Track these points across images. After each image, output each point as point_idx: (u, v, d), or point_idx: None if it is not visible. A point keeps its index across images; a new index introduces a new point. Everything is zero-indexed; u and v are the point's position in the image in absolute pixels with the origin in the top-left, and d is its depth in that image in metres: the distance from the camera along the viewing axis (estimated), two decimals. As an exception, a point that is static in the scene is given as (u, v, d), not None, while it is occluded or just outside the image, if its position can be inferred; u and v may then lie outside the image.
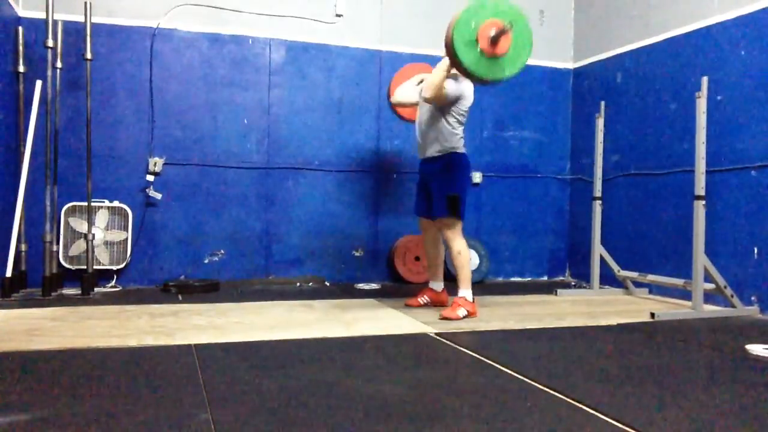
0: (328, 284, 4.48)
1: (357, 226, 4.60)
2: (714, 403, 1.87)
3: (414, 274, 4.53)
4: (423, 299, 3.52)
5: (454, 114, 3.29)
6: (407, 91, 3.58)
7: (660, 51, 4.25)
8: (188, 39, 4.24)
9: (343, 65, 4.57)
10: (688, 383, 2.10)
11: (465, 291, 3.20)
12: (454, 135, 3.30)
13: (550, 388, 1.95)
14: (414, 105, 3.56)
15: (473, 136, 4.77)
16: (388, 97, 3.85)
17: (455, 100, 3.26)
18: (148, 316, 3.05)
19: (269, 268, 4.43)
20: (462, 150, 3.35)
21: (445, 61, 3.14)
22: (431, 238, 3.52)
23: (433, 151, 3.34)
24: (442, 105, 3.27)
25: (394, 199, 4.68)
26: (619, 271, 4.22)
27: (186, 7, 4.21)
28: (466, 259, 3.27)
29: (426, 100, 3.27)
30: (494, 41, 2.82)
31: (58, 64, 3.78)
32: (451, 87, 3.21)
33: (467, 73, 2.94)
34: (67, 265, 3.86)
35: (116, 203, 4.02)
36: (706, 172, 3.41)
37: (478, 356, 2.37)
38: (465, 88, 3.29)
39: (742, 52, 3.64)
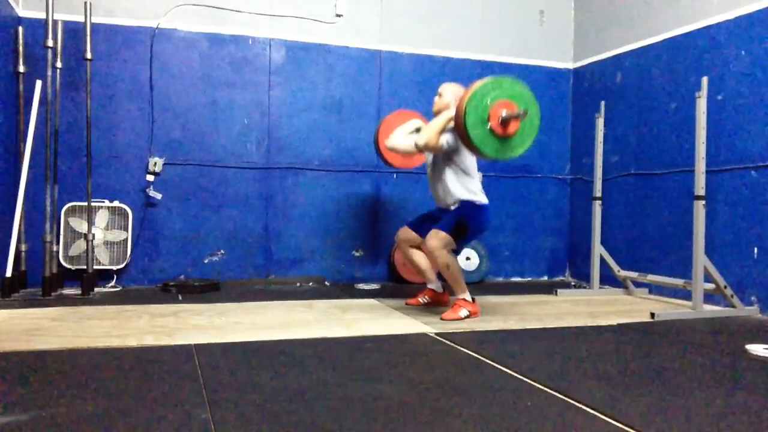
0: (328, 284, 4.48)
1: (357, 226, 4.60)
2: (714, 403, 1.87)
3: (414, 274, 4.51)
4: (424, 299, 3.52)
5: (456, 164, 3.19)
6: (402, 137, 3.35)
7: (660, 51, 4.25)
8: (188, 39, 4.24)
9: (343, 65, 4.57)
10: (688, 383, 2.10)
11: (462, 294, 3.18)
12: (460, 186, 3.20)
13: (550, 388, 1.95)
14: (408, 154, 3.40)
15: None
16: (377, 141, 3.64)
17: (451, 152, 3.15)
18: (148, 316, 3.05)
19: (269, 268, 4.43)
20: (478, 200, 3.21)
21: (447, 114, 3.10)
22: (408, 247, 3.45)
23: (444, 204, 3.28)
24: (436, 154, 3.23)
25: (395, 199, 4.68)
26: (619, 271, 4.22)
27: (186, 7, 4.21)
28: (456, 269, 3.13)
29: (418, 148, 3.16)
30: (504, 122, 2.80)
31: (58, 64, 3.78)
32: (447, 138, 3.11)
33: (471, 146, 2.89)
34: (67, 265, 3.86)
35: (116, 203, 4.02)
36: (706, 172, 3.41)
37: (478, 356, 2.37)
38: (462, 143, 3.15)
39: (742, 52, 3.64)
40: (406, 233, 3.45)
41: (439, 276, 3.41)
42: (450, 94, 3.27)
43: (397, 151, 3.39)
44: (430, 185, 3.38)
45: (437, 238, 3.07)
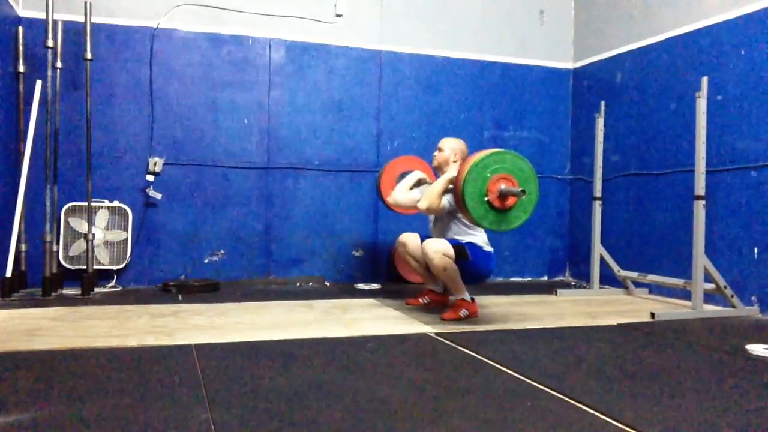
0: (328, 284, 4.48)
1: (357, 226, 4.60)
2: (714, 403, 1.87)
3: (414, 274, 4.51)
4: (424, 299, 3.52)
5: (459, 220, 3.21)
6: (404, 194, 3.42)
7: (660, 51, 4.25)
8: (188, 39, 4.24)
9: (343, 65, 4.57)
10: (688, 383, 2.10)
11: (461, 294, 3.17)
12: (466, 233, 3.21)
13: (550, 388, 1.95)
14: (412, 209, 3.46)
15: (474, 136, 4.77)
16: (379, 191, 3.77)
17: (454, 211, 3.16)
18: (148, 316, 3.05)
19: (269, 268, 4.43)
20: (483, 247, 3.21)
21: (447, 176, 3.13)
22: (405, 252, 3.44)
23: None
24: (439, 215, 3.27)
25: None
26: (619, 271, 4.22)
27: (186, 7, 4.21)
28: (453, 270, 3.09)
29: (421, 210, 3.21)
30: (502, 196, 2.76)
31: (58, 64, 3.78)
32: (448, 198, 3.14)
33: (468, 217, 2.86)
34: (67, 265, 3.86)
35: (116, 203, 4.02)
36: (706, 172, 3.41)
37: (478, 356, 2.37)
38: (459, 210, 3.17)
39: (742, 52, 3.64)
40: (405, 237, 3.44)
41: None
42: (449, 149, 3.33)
43: (400, 206, 3.52)
44: (433, 234, 3.38)
45: (436, 242, 3.09)
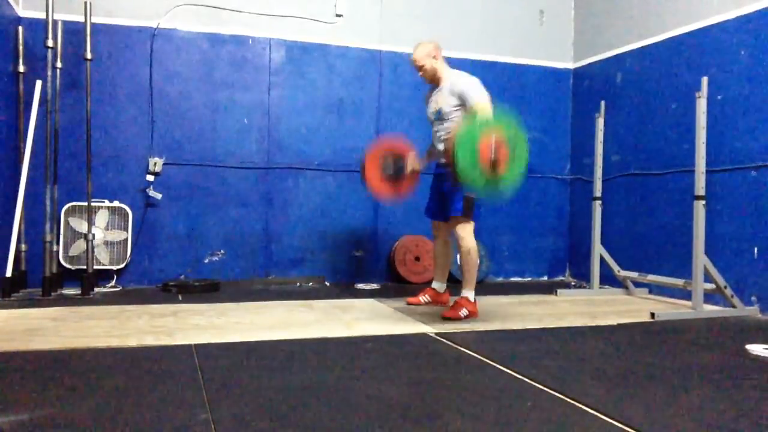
0: (328, 284, 4.48)
1: (357, 226, 4.60)
2: (714, 403, 1.87)
3: (414, 274, 4.53)
4: (424, 298, 3.53)
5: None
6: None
7: (660, 51, 4.25)
8: (188, 39, 4.24)
9: (343, 65, 4.57)
10: (688, 383, 2.10)
11: (469, 292, 3.19)
12: None
13: (550, 388, 1.95)
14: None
15: (473, 136, 4.77)
16: (363, 172, 3.55)
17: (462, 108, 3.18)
18: (148, 316, 3.05)
19: (269, 268, 4.43)
20: None
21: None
22: (443, 241, 3.51)
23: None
24: (445, 110, 3.24)
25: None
26: (619, 271, 4.21)
27: (186, 7, 4.21)
28: (475, 260, 3.23)
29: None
30: (494, 165, 2.72)
31: (58, 64, 3.78)
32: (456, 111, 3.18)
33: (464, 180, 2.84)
34: (67, 265, 3.86)
35: (116, 203, 4.02)
36: (706, 172, 3.41)
37: (478, 356, 2.37)
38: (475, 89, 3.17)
39: (742, 52, 3.64)
40: (434, 225, 3.51)
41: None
42: (426, 57, 3.24)
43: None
44: (435, 140, 3.36)
45: (460, 225, 3.20)
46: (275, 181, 4.42)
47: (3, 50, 3.63)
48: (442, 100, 3.24)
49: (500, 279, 4.95)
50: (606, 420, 1.68)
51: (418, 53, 3.27)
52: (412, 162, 3.41)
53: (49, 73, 3.69)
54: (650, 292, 4.25)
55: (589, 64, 4.95)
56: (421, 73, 3.32)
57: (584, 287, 4.54)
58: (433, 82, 3.34)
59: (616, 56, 4.65)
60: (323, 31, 4.53)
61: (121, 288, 4.01)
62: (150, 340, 2.50)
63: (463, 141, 2.74)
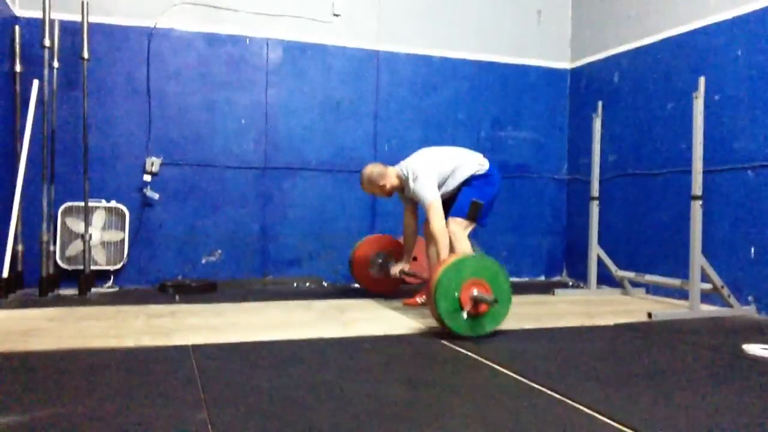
0: (325, 284, 4.48)
1: (354, 226, 4.60)
2: (711, 403, 1.87)
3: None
4: (421, 299, 3.52)
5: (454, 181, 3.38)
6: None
7: (657, 51, 4.26)
8: (185, 38, 4.23)
9: (341, 65, 4.57)
10: (685, 383, 2.11)
11: None
12: (456, 181, 3.37)
13: (548, 388, 1.95)
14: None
15: (471, 136, 4.78)
16: (352, 265, 3.97)
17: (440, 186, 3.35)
18: (145, 316, 3.05)
19: (267, 268, 4.42)
20: (479, 170, 3.38)
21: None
22: (413, 230, 3.67)
23: (455, 189, 3.42)
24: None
25: (392, 199, 4.66)
26: (616, 271, 4.22)
27: (183, 6, 4.20)
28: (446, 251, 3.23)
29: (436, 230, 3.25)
30: (476, 304, 2.64)
31: (55, 64, 3.77)
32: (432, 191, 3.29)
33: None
34: (63, 266, 3.85)
35: (113, 203, 4.01)
36: (703, 172, 3.42)
37: (476, 356, 2.37)
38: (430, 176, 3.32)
39: (739, 52, 3.65)
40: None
41: None
42: (377, 182, 3.42)
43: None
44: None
45: (457, 224, 3.28)
46: (273, 181, 4.42)
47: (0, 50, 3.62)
48: (414, 195, 3.38)
49: (498, 279, 4.95)
50: (603, 420, 1.68)
51: (369, 188, 3.51)
52: (398, 267, 3.64)
53: (46, 72, 3.68)
54: (647, 292, 4.26)
55: (587, 64, 4.96)
56: (376, 192, 3.52)
57: (581, 287, 4.55)
58: (398, 189, 3.53)
59: (614, 56, 4.66)
60: (321, 30, 4.52)
61: (118, 288, 4.00)
62: (147, 341, 2.50)
63: (443, 292, 2.61)
